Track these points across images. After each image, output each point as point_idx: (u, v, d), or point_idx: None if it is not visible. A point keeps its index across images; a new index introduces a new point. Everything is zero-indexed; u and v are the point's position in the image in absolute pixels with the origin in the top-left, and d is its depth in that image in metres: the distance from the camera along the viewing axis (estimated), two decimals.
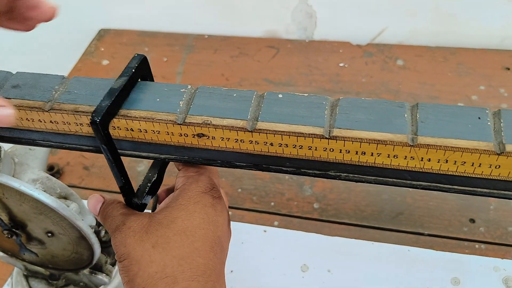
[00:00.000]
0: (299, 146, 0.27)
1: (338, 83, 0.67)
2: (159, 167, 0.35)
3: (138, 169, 0.60)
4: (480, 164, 0.25)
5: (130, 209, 0.32)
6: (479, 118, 0.26)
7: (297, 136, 0.27)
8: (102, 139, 0.28)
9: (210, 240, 0.29)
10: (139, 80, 0.31)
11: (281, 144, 0.27)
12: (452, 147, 0.25)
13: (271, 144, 0.27)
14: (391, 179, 0.28)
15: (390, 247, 0.49)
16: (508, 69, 0.66)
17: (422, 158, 0.26)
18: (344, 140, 0.26)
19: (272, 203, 0.56)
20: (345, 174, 0.28)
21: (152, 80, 0.32)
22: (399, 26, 0.71)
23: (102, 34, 0.78)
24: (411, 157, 0.26)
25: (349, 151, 0.27)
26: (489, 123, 0.26)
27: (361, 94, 0.65)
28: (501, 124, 0.26)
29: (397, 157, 0.26)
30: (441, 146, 0.25)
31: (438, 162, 0.26)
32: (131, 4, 0.76)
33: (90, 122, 0.27)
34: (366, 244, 0.49)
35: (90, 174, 0.60)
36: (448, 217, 0.54)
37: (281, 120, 0.27)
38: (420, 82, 0.66)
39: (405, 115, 0.27)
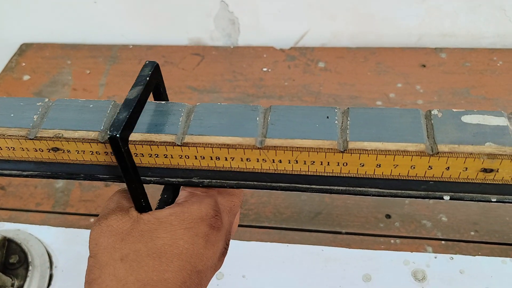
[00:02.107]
0: (155, 154, 0.27)
1: (261, 88, 0.68)
2: (173, 188, 0.32)
3: (56, 185, 0.59)
4: (328, 162, 0.26)
5: (127, 201, 0.29)
6: (328, 117, 0.26)
7: (149, 144, 0.26)
8: (122, 158, 0.25)
9: (185, 274, 0.26)
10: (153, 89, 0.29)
11: (137, 154, 0.27)
12: (298, 147, 0.25)
13: (135, 155, 0.27)
14: (252, 182, 0.28)
15: (304, 248, 0.49)
16: (424, 66, 0.68)
17: (274, 159, 0.26)
18: (196, 146, 0.26)
19: None
20: (208, 180, 0.28)
21: (164, 89, 0.31)
22: (321, 29, 0.72)
23: (24, 49, 0.76)
24: (263, 160, 0.26)
25: (204, 157, 0.27)
26: (336, 122, 0.26)
27: (284, 97, 0.66)
28: (348, 122, 0.26)
29: (250, 160, 0.26)
30: (287, 147, 0.25)
31: (289, 163, 0.26)
32: (54, 17, 0.75)
33: (108, 138, 0.24)
34: (281, 246, 0.50)
35: (6, 194, 0.58)
36: (365, 214, 0.55)
37: (136, 130, 0.26)
38: (341, 83, 0.67)
39: (257, 118, 0.27)
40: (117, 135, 0.24)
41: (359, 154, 0.25)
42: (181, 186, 0.30)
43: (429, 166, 0.25)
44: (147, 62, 0.29)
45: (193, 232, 0.27)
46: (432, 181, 0.26)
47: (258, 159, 0.26)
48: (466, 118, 0.26)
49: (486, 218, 0.53)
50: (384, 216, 0.55)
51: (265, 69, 0.70)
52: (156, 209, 0.29)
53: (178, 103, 0.28)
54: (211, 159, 0.27)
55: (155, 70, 0.28)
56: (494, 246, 0.51)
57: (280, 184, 0.28)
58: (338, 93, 0.66)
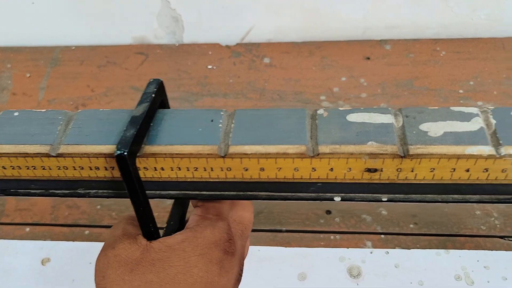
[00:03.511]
0: (32, 166, 0.26)
1: (206, 86, 0.67)
2: (180, 215, 0.31)
3: None
4: (212, 168, 0.25)
5: (134, 228, 0.27)
6: (212, 120, 0.26)
7: (24, 157, 0.25)
8: (130, 177, 0.24)
9: None
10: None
11: (14, 167, 0.26)
12: (177, 154, 0.24)
13: (4, 168, 0.26)
14: (152, 191, 0.27)
15: None
16: (369, 58, 0.68)
17: (155, 167, 0.25)
18: (73, 157, 0.25)
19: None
20: (105, 192, 0.27)
21: (168, 106, 0.30)
22: (266, 24, 0.71)
23: None
24: (145, 167, 0.25)
25: (98, 168, 0.26)
26: (220, 125, 0.25)
27: (228, 95, 0.65)
28: (232, 125, 0.25)
29: (139, 169, 0.25)
30: (166, 154, 0.24)
31: (172, 170, 0.25)
32: None
33: (116, 156, 0.23)
34: None
35: None
36: (305, 211, 0.54)
37: (9, 141, 0.25)
38: (286, 79, 0.66)
39: None
40: (125, 153, 0.23)
41: (240, 159, 0.24)
42: (194, 211, 0.28)
43: (313, 168, 0.24)
44: (152, 80, 0.28)
45: (207, 258, 0.25)
46: (319, 182, 0.25)
47: (139, 168, 0.25)
48: (352, 117, 0.25)
49: (425, 210, 0.53)
50: (325, 212, 0.54)
51: (210, 67, 0.69)
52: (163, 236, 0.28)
53: (59, 110, 0.27)
54: (106, 169, 0.25)
55: (160, 87, 0.28)
56: (432, 238, 0.51)
57: (169, 192, 0.27)
58: (283, 89, 0.65)
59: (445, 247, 0.50)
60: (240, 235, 0.29)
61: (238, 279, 0.28)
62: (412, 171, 0.24)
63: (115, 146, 0.24)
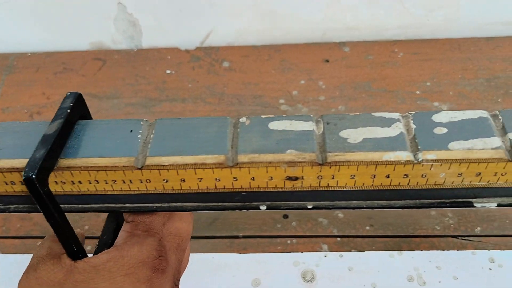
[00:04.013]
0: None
1: (164, 91, 0.66)
2: (114, 228, 0.29)
3: None
4: (131, 180, 0.24)
5: (59, 247, 0.26)
6: (131, 131, 0.25)
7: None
8: (42, 199, 0.23)
9: None
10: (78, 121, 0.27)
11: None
12: (93, 167, 0.24)
13: None
14: (73, 205, 0.26)
15: (195, 257, 0.48)
16: (328, 61, 0.68)
17: (73, 181, 0.24)
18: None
19: (87, 227, 0.53)
20: (25, 206, 0.26)
21: (91, 118, 0.28)
22: (225, 28, 0.70)
23: None
24: (62, 181, 0.24)
25: (14, 183, 0.25)
26: (140, 136, 0.25)
27: (187, 99, 0.64)
28: (152, 135, 0.25)
29: (59, 182, 0.25)
30: (81, 167, 0.24)
31: (90, 183, 0.24)
32: None
33: (24, 179, 0.22)
34: None
35: None
36: (262, 216, 0.54)
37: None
38: (245, 83, 0.66)
39: None
40: (33, 176, 0.22)
41: (158, 170, 0.24)
42: (123, 226, 0.27)
43: (234, 178, 0.24)
44: (69, 93, 0.27)
45: (134, 278, 0.24)
46: (243, 192, 0.25)
47: (56, 181, 0.24)
48: (273, 125, 0.25)
49: (380, 212, 0.54)
50: (282, 217, 0.54)
51: (168, 71, 0.68)
52: (94, 252, 0.27)
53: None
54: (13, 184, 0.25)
55: (77, 101, 0.26)
56: (388, 240, 0.51)
57: (92, 205, 0.26)
58: (242, 93, 0.65)
59: (400, 248, 0.50)
60: (175, 248, 0.28)
61: None
62: (333, 178, 0.24)
63: (26, 160, 0.23)
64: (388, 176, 0.24)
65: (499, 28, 0.70)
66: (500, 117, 0.24)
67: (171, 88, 0.66)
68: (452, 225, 0.52)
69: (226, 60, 0.69)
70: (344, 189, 0.25)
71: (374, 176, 0.24)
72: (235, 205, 0.26)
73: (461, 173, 0.24)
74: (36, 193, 0.22)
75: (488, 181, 0.24)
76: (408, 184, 0.24)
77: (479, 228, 0.51)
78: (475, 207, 0.25)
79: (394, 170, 0.23)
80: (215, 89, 0.65)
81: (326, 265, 0.47)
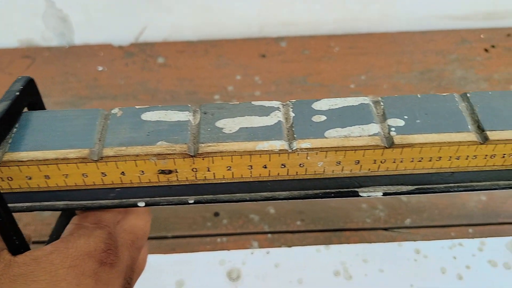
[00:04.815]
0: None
1: (95, 88, 0.63)
2: (66, 223, 0.26)
3: None
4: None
5: (1, 242, 0.23)
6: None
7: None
8: None
9: None
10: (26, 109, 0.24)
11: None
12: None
13: None
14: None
15: None
16: (264, 56, 0.67)
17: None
18: None
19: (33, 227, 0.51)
20: None
21: (43, 107, 0.26)
22: (160, 23, 0.69)
23: None
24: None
25: None
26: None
27: (118, 97, 0.62)
28: (15, 130, 0.23)
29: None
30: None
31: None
32: None
33: None
34: None
35: None
36: (193, 214, 0.53)
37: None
38: (180, 78, 0.64)
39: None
40: None
41: (18, 167, 0.22)
42: (72, 218, 0.25)
43: (102, 173, 0.23)
44: (20, 77, 0.25)
45: (78, 271, 0.23)
46: (117, 188, 0.24)
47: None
48: (147, 115, 0.23)
49: (311, 206, 0.53)
50: (213, 215, 0.53)
51: (100, 68, 0.66)
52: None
53: None
54: None
55: (28, 86, 0.24)
56: (318, 234, 0.51)
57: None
58: (176, 89, 0.63)
59: (330, 242, 0.50)
60: (129, 245, 0.26)
61: None
62: (208, 170, 0.23)
63: None
64: (265, 167, 0.23)
65: (433, 22, 0.71)
66: (382, 104, 0.24)
67: (102, 85, 0.64)
68: (382, 217, 0.52)
69: (161, 56, 0.67)
70: (223, 181, 0.23)
71: (251, 166, 0.23)
72: (111, 202, 0.24)
73: (340, 162, 0.23)
74: None
75: (369, 169, 0.23)
76: (287, 174, 0.23)
77: (409, 220, 0.52)
78: (361, 196, 0.24)
79: (270, 160, 0.22)
80: (149, 85, 0.64)
81: (252, 262, 0.46)
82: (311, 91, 0.63)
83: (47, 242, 0.26)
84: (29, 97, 0.25)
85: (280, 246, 0.49)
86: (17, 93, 0.23)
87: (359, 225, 0.51)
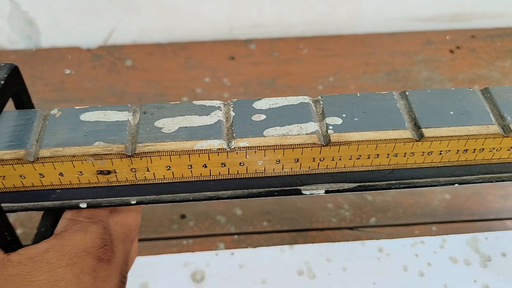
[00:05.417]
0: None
1: (62, 92, 0.63)
2: (54, 217, 0.26)
3: None
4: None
5: None
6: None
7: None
8: None
9: None
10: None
11: None
12: None
13: None
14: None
15: None
16: (233, 58, 0.67)
17: None
18: None
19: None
20: None
21: (29, 98, 0.26)
22: (128, 25, 0.68)
23: None
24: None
25: None
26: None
27: (85, 100, 0.62)
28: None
29: None
30: None
31: None
32: None
33: None
34: None
35: None
36: (159, 217, 0.52)
37: None
38: (148, 81, 0.64)
39: None
40: None
41: None
42: (63, 214, 0.24)
43: (40, 174, 0.22)
44: (3, 64, 0.23)
45: (77, 268, 0.22)
46: (58, 189, 0.23)
47: None
48: (86, 116, 0.23)
49: (278, 207, 0.53)
50: (179, 217, 0.52)
51: (68, 71, 0.65)
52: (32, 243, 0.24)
53: None
54: None
55: (12, 74, 0.23)
56: (284, 234, 0.51)
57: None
58: (144, 91, 0.63)
59: (296, 242, 0.50)
60: (122, 238, 0.26)
61: (121, 287, 0.26)
62: (148, 170, 0.23)
63: None
64: (205, 166, 0.23)
65: (401, 23, 0.72)
66: (321, 102, 0.24)
67: (69, 88, 0.63)
68: (347, 216, 0.52)
69: (130, 58, 0.67)
70: (164, 181, 0.23)
71: (191, 166, 0.23)
72: (53, 203, 0.24)
73: (279, 160, 0.23)
74: None
75: (309, 167, 0.24)
76: (229, 173, 0.23)
77: (374, 219, 0.52)
78: (304, 194, 0.25)
79: (209, 159, 0.23)
80: (116, 88, 0.63)
81: (217, 264, 0.46)
82: (279, 92, 0.63)
83: (34, 237, 0.25)
84: (14, 86, 0.24)
85: (246, 247, 0.49)
86: (2, 82, 0.23)
87: (325, 224, 0.52)
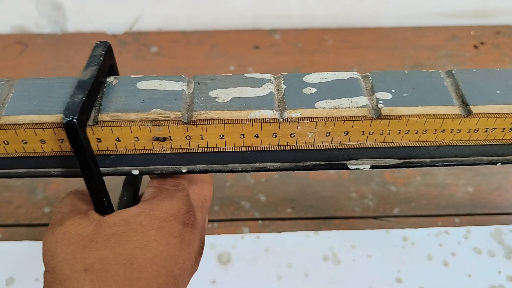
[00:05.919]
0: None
1: None
2: (133, 189, 0.28)
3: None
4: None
5: (84, 203, 0.25)
6: None
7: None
8: (80, 147, 0.21)
9: (160, 281, 0.23)
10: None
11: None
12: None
13: None
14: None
15: None
16: (258, 47, 0.68)
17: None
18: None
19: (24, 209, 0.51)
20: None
21: (117, 70, 0.27)
22: (154, 13, 0.69)
23: None
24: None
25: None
26: None
27: None
28: (11, 95, 0.23)
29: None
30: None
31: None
32: None
33: (64, 125, 0.20)
34: None
35: None
36: None
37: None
38: (174, 68, 0.65)
39: None
40: (74, 120, 0.20)
41: (14, 130, 0.22)
42: (149, 183, 0.26)
43: (98, 139, 0.23)
44: (98, 42, 0.26)
45: (166, 231, 0.24)
46: (112, 155, 0.24)
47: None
48: (142, 84, 0.24)
49: (303, 194, 0.54)
50: None
51: None
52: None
53: None
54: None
55: (108, 51, 0.25)
56: (308, 222, 0.51)
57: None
58: None
59: (320, 229, 0.50)
60: (200, 207, 0.28)
61: (200, 252, 0.27)
62: (202, 138, 0.23)
63: (62, 114, 0.21)
64: (257, 136, 0.23)
65: (425, 18, 0.72)
66: (370, 78, 0.25)
67: None
68: (371, 206, 0.53)
69: (155, 45, 0.67)
70: (216, 150, 0.24)
71: (243, 135, 0.23)
72: (106, 170, 0.25)
73: (329, 132, 0.24)
74: (76, 141, 0.21)
75: (358, 140, 0.24)
76: (279, 144, 0.24)
77: (397, 209, 0.53)
78: (350, 168, 0.25)
79: (261, 129, 0.23)
80: (142, 74, 0.64)
81: (242, 246, 0.46)
82: None
83: (118, 204, 0.27)
84: (109, 60, 0.26)
85: (269, 232, 0.50)
86: (101, 58, 0.24)
87: (349, 213, 0.52)
